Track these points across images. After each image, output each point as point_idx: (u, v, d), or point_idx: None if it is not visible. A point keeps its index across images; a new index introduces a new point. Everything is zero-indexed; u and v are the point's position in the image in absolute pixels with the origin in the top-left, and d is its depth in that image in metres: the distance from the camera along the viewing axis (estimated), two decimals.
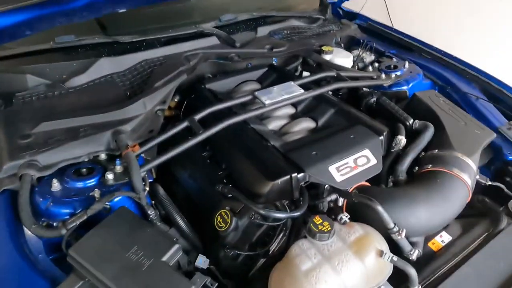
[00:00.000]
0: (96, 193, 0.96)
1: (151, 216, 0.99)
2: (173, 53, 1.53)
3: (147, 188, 1.01)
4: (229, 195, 1.03)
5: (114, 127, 1.14)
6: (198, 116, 1.17)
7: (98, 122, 1.16)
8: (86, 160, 1.08)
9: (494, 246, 0.98)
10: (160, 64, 1.46)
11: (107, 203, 0.93)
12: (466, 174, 1.08)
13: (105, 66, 1.41)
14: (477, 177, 1.16)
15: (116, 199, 0.96)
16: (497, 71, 1.73)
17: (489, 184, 1.19)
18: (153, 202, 1.08)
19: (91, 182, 1.01)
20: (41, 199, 0.95)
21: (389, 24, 4.38)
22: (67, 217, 0.93)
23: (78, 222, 0.90)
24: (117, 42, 1.51)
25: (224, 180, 1.11)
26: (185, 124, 1.16)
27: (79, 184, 1.00)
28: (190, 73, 1.45)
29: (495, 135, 1.28)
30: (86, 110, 1.21)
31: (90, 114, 1.17)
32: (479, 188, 1.22)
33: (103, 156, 1.11)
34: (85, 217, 0.90)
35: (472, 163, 1.12)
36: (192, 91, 1.44)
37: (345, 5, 2.26)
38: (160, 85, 1.31)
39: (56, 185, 0.97)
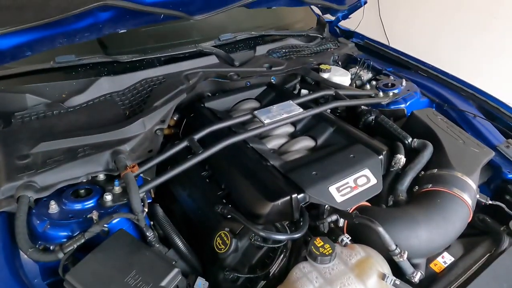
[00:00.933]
0: (94, 215, 0.94)
1: (149, 238, 0.98)
2: (173, 72, 1.54)
3: (146, 210, 1.00)
4: (229, 216, 1.02)
5: (113, 147, 1.13)
6: (197, 136, 1.17)
7: (97, 142, 1.15)
8: (85, 180, 1.07)
9: (496, 267, 0.97)
10: (159, 83, 1.47)
11: (105, 225, 0.92)
12: (466, 193, 1.08)
13: (104, 85, 1.41)
14: (477, 196, 1.16)
15: (115, 221, 0.95)
16: (493, 89, 1.75)
17: (490, 203, 1.19)
18: (151, 222, 1.07)
19: (89, 203, 1.00)
20: (38, 222, 0.93)
21: (386, 42, 4.48)
22: (65, 240, 0.92)
23: (75, 246, 0.88)
24: (117, 61, 1.52)
25: (224, 200, 1.11)
26: (184, 143, 1.16)
27: (77, 206, 0.99)
28: (190, 92, 1.46)
29: (493, 153, 1.29)
30: (85, 129, 1.20)
31: (89, 134, 1.17)
32: (479, 207, 1.22)
33: (101, 176, 1.10)
34: (82, 240, 0.89)
35: (472, 183, 1.12)
36: (191, 109, 1.44)
37: (342, 23, 2.30)
38: (160, 104, 1.32)
39: (53, 207, 0.96)
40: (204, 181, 1.21)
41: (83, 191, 1.04)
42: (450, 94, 1.71)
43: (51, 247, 0.90)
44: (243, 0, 1.48)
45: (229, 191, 1.13)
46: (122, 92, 1.42)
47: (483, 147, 1.30)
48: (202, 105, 1.45)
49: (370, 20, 4.64)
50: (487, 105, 1.65)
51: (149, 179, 1.13)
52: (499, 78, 3.69)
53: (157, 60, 1.60)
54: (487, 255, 1.04)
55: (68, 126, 1.23)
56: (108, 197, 1.00)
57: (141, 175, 1.12)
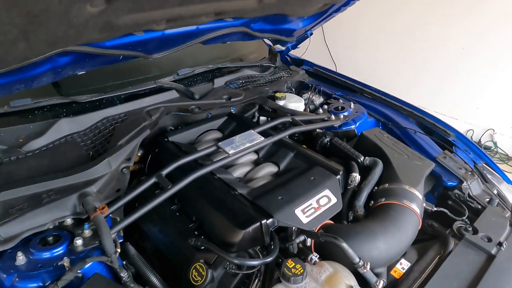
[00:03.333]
0: (66, 261, 0.93)
1: (124, 279, 0.98)
2: (134, 108, 1.56)
3: (119, 250, 1.00)
4: (202, 247, 1.05)
5: (79, 189, 1.13)
6: (165, 172, 1.20)
7: (62, 186, 1.14)
8: (52, 227, 1.05)
9: (446, 267, 1.09)
10: (121, 121, 1.49)
11: (78, 271, 0.91)
12: (414, 204, 1.21)
13: (64, 127, 1.39)
14: (424, 204, 1.29)
15: (87, 266, 0.94)
16: (423, 103, 1.97)
17: (435, 210, 1.33)
18: (124, 262, 1.07)
19: (59, 250, 0.98)
20: (5, 275, 0.90)
21: (333, 66, 4.81)
22: None
23: None
24: (76, 101, 1.52)
25: (196, 232, 1.14)
26: (152, 180, 1.18)
27: (46, 254, 0.96)
28: (153, 128, 1.49)
29: (434, 165, 1.45)
30: (48, 174, 1.18)
31: (53, 179, 1.15)
32: (427, 214, 1.36)
33: (69, 221, 1.09)
34: None
35: (418, 193, 1.26)
36: (155, 144, 1.47)
37: (291, 52, 2.47)
38: (124, 142, 1.33)
39: (21, 258, 0.93)
40: (174, 215, 1.23)
41: (51, 238, 1.02)
42: (392, 113, 1.90)
43: None
44: (198, 38, 1.55)
45: (200, 222, 1.16)
46: (84, 133, 1.41)
47: (424, 160, 1.46)
48: (166, 139, 1.48)
49: (317, 46, 4.98)
50: (425, 121, 1.86)
51: (118, 218, 1.13)
52: (428, 93, 4.12)
53: (117, 98, 1.62)
54: (437, 257, 1.16)
55: (28, 171, 1.20)
56: (78, 242, 0.99)
57: (110, 215, 1.13)
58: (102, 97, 1.57)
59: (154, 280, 1.04)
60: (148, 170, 1.44)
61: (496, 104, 3.66)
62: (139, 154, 1.46)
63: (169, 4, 1.17)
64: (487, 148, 3.89)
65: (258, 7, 1.50)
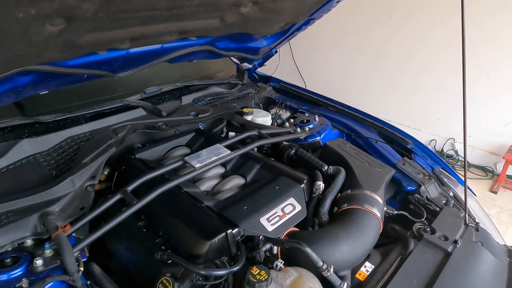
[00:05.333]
0: (24, 283, 0.90)
1: None
2: (100, 127, 1.56)
3: (82, 269, 0.98)
4: (169, 261, 1.05)
5: (40, 209, 1.10)
6: (130, 187, 1.20)
7: (22, 207, 1.11)
8: (10, 249, 1.02)
9: (407, 267, 1.14)
10: (86, 140, 1.48)
11: None
12: (375, 208, 1.27)
13: (26, 148, 1.36)
14: (385, 208, 1.35)
15: (47, 286, 0.91)
16: (388, 116, 2.08)
17: (396, 213, 1.39)
18: (88, 282, 1.04)
19: (17, 272, 0.95)
20: None
21: (303, 84, 4.98)
22: None
23: None
24: (39, 122, 1.49)
25: (163, 247, 1.13)
26: (117, 196, 1.18)
27: (3, 277, 0.93)
28: (119, 145, 1.49)
29: (393, 171, 1.53)
30: (7, 195, 1.15)
31: (13, 199, 1.12)
32: (389, 218, 1.42)
33: (29, 242, 1.05)
34: None
35: (379, 198, 1.32)
36: (122, 162, 1.46)
37: (260, 69, 2.56)
38: (89, 160, 1.32)
39: None
40: (141, 231, 1.22)
41: (9, 260, 0.99)
42: (355, 124, 1.99)
43: None
44: (164, 56, 1.59)
45: (167, 237, 1.16)
46: (47, 153, 1.39)
47: (385, 167, 1.54)
48: (132, 156, 1.48)
49: (287, 65, 5.16)
50: (385, 131, 1.96)
51: (82, 237, 1.11)
52: (394, 107, 4.33)
53: (82, 117, 1.60)
54: (399, 258, 1.21)
55: None
56: (38, 262, 0.96)
57: (74, 234, 1.10)
58: (66, 116, 1.55)
59: None
60: (114, 188, 1.42)
61: (455, 114, 3.89)
62: (105, 173, 1.45)
63: (132, 23, 1.20)
64: (449, 156, 4.09)
65: (221, 27, 1.56)
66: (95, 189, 1.30)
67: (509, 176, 3.67)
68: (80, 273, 0.96)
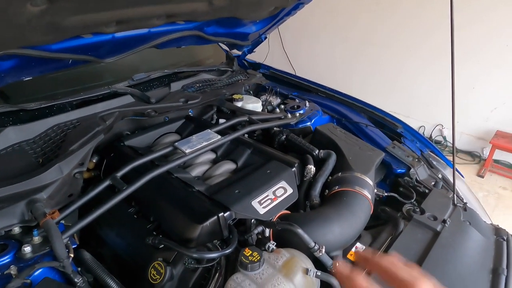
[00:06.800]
0: (13, 269, 0.88)
1: (78, 284, 0.95)
2: (87, 114, 1.53)
3: (72, 255, 0.97)
4: (161, 246, 1.04)
5: (28, 196, 1.08)
6: (120, 173, 1.18)
7: (8, 195, 1.08)
8: None
9: (397, 246, 1.15)
10: (73, 127, 1.44)
11: (26, 278, 0.87)
12: (366, 189, 1.28)
13: (11, 136, 1.33)
14: (375, 191, 1.37)
15: (37, 272, 0.90)
16: (376, 101, 2.10)
17: (386, 195, 1.41)
18: (79, 269, 1.03)
19: (5, 259, 0.93)
20: None
21: (292, 71, 4.97)
22: None
23: None
24: (24, 109, 1.46)
25: (154, 232, 1.12)
26: (107, 183, 1.16)
27: None
28: (107, 133, 1.46)
29: (383, 154, 1.54)
30: None
31: None
32: (379, 200, 1.44)
33: (17, 229, 1.03)
34: None
35: (369, 180, 1.33)
36: (111, 149, 1.44)
37: (250, 56, 2.54)
38: (76, 147, 1.29)
39: None
40: (132, 218, 1.21)
41: None
42: (345, 109, 2.00)
43: None
44: (151, 42, 1.56)
45: (158, 222, 1.15)
46: (33, 140, 1.35)
47: (375, 150, 1.55)
48: (121, 143, 1.46)
49: (276, 54, 5.13)
50: (375, 116, 1.97)
51: (71, 225, 1.09)
52: (382, 94, 4.36)
53: (68, 105, 1.57)
54: (389, 238, 1.23)
55: None
56: (27, 249, 0.95)
57: (63, 222, 1.09)
58: (52, 103, 1.51)
59: (112, 284, 1.01)
60: (103, 175, 1.40)
61: (443, 100, 3.94)
62: (94, 161, 1.43)
63: (117, 5, 1.17)
64: (438, 142, 4.15)
65: (210, 10, 1.53)
66: (83, 177, 1.28)
67: (495, 161, 3.75)
68: (70, 259, 0.95)
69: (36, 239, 0.99)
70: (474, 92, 3.73)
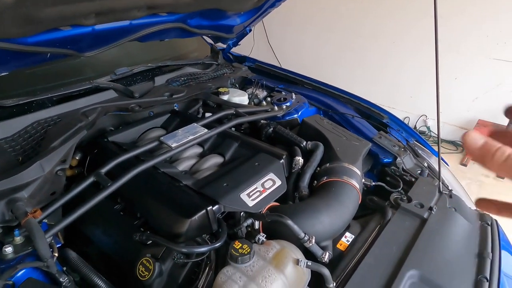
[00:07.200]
0: None
1: (64, 284, 0.92)
2: (69, 110, 1.48)
3: (56, 254, 0.94)
4: (148, 242, 1.02)
5: (7, 196, 1.04)
6: (104, 170, 1.15)
7: None
8: None
9: (385, 235, 1.17)
10: (54, 124, 1.40)
11: (8, 279, 0.84)
12: (353, 179, 1.28)
13: None
14: (363, 180, 1.37)
15: (20, 273, 0.87)
16: (369, 98, 2.10)
17: (374, 185, 1.42)
18: (64, 268, 1.00)
19: None
20: None
21: (277, 63, 4.96)
22: None
23: None
24: (1, 106, 1.40)
25: (141, 229, 1.10)
26: (91, 179, 1.13)
27: None
28: (90, 129, 1.42)
29: (370, 144, 1.55)
30: None
31: None
32: (368, 190, 1.45)
33: None
34: None
35: (357, 170, 1.34)
36: (94, 146, 1.40)
37: (235, 50, 2.51)
38: (58, 144, 1.25)
39: None
40: (118, 215, 1.19)
41: None
42: (332, 101, 2.00)
43: None
44: (133, 35, 1.52)
45: (145, 218, 1.13)
46: (11, 138, 1.30)
47: (362, 140, 1.55)
48: (105, 139, 1.42)
49: (262, 47, 5.10)
50: (361, 107, 1.98)
51: (54, 223, 1.06)
52: (367, 86, 4.40)
53: (48, 101, 1.51)
54: (377, 227, 1.24)
55: None
56: (8, 249, 0.91)
57: (46, 221, 1.05)
58: (31, 99, 1.46)
59: (99, 282, 0.99)
60: (87, 172, 1.36)
61: (426, 91, 4.00)
62: (77, 158, 1.39)
63: None
64: (422, 133, 4.23)
65: (192, 2, 1.50)
66: (66, 175, 1.25)
67: None
68: (55, 258, 0.92)
69: (18, 239, 0.96)
70: (456, 82, 3.80)
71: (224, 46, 2.37)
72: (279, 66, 2.46)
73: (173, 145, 1.27)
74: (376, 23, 4.09)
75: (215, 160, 1.37)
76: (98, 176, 1.12)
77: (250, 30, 2.22)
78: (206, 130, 1.38)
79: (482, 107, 3.79)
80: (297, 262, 0.94)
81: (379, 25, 4.07)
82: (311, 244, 1.03)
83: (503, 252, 1.21)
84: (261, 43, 5.09)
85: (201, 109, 1.83)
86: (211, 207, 1.04)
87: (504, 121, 3.57)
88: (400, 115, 4.30)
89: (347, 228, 1.24)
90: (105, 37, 1.45)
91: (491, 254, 1.12)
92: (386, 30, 4.05)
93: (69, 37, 1.30)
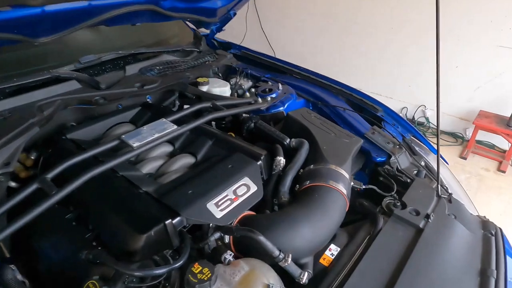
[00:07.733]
0: None
1: None
2: (22, 104, 1.32)
3: None
4: (98, 261, 0.88)
5: None
6: (51, 174, 0.99)
7: None
8: None
9: (376, 247, 1.02)
10: (4, 119, 1.24)
11: None
12: (341, 184, 1.13)
13: None
14: (352, 183, 1.22)
15: None
16: (366, 88, 1.94)
17: (364, 188, 1.26)
18: None
19: None
20: None
21: (272, 53, 4.76)
22: None
23: None
24: None
25: (94, 243, 0.95)
26: (34, 186, 0.97)
27: None
28: (45, 125, 1.26)
29: (362, 141, 1.39)
30: None
31: None
32: (358, 193, 1.30)
33: None
34: None
35: (345, 172, 1.18)
36: (49, 144, 1.24)
37: (228, 39, 2.32)
38: (1, 144, 1.09)
39: None
40: (70, 225, 1.03)
41: None
42: (322, 92, 1.83)
43: None
44: (96, 17, 1.34)
45: (98, 231, 0.98)
46: None
47: (352, 137, 1.40)
48: (63, 137, 1.26)
49: (255, 34, 4.88)
50: (354, 98, 1.81)
51: None
52: (364, 75, 4.21)
53: None
54: (367, 238, 1.09)
55: None
56: None
57: None
58: None
59: None
60: (40, 174, 1.21)
61: (426, 81, 3.82)
62: (32, 158, 1.23)
63: None
64: (420, 123, 4.06)
65: None
66: (22, 177, 1.09)
67: (478, 141, 3.68)
68: None
69: None
70: (457, 71, 3.62)
71: (208, 31, 2.18)
72: (274, 54, 2.28)
73: (135, 145, 1.11)
74: (374, 10, 3.88)
75: (185, 161, 1.21)
76: (43, 183, 0.96)
77: (235, 14, 2.03)
78: (175, 127, 1.21)
79: (484, 97, 3.62)
80: (267, 287, 0.80)
81: (377, 12, 3.86)
82: (287, 264, 0.89)
83: (509, 259, 1.08)
84: (254, 30, 4.87)
85: (177, 102, 1.66)
86: (170, 220, 0.89)
87: (507, 112, 3.40)
88: (398, 105, 4.13)
89: (333, 239, 1.09)
90: (61, 20, 1.27)
91: (495, 272, 0.97)
92: (384, 18, 3.84)
93: (13, 19, 1.12)
